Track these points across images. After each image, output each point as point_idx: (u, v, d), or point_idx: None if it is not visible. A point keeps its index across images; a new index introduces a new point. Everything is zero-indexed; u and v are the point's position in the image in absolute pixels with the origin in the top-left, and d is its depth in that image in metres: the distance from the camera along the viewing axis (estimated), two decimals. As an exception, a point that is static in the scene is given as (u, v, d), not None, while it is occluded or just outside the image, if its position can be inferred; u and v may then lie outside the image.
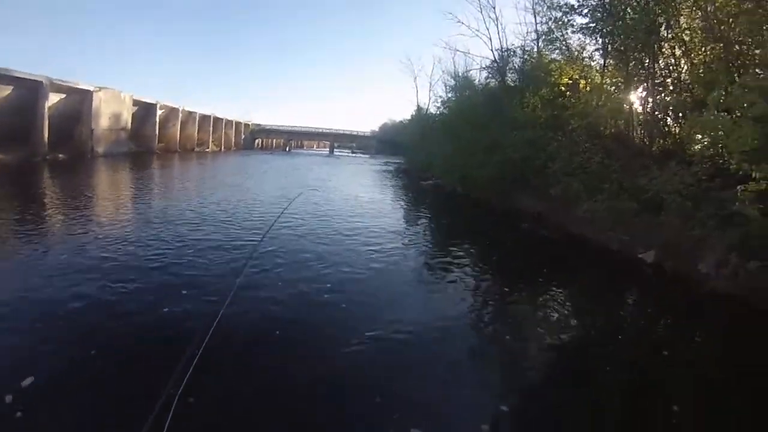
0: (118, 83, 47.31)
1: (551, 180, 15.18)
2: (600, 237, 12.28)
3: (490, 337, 6.40)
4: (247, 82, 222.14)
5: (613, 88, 16.81)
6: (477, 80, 31.01)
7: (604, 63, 17.59)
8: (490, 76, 28.22)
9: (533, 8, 22.50)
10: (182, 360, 3.36)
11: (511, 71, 24.93)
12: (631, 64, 15.55)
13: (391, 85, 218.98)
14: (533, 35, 22.47)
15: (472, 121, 22.45)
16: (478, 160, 19.97)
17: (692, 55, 13.46)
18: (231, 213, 13.59)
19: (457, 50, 43.58)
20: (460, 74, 33.27)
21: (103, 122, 33.64)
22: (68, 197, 15.09)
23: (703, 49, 13.08)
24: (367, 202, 18.63)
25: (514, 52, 23.86)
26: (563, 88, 18.76)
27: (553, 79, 19.17)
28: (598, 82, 17.50)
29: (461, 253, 10.97)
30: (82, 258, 8.05)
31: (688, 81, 13.28)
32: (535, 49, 22.17)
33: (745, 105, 7.87)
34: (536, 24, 22.11)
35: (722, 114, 9.00)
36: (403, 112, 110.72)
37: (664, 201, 10.48)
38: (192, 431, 3.66)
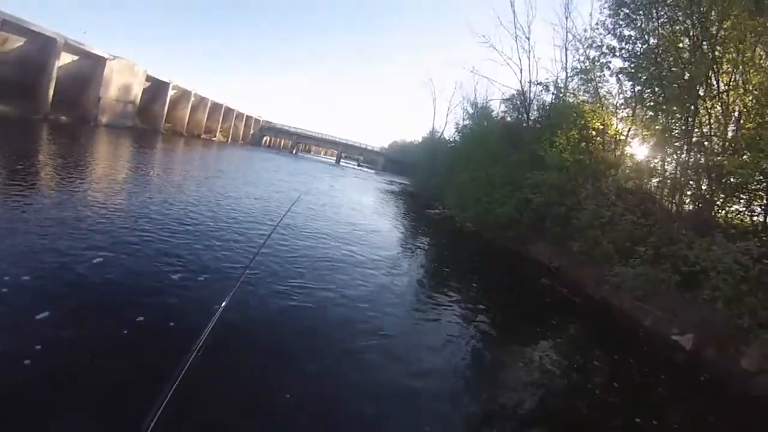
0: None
1: (575, 232, 13.99)
2: (628, 308, 10.80)
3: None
4: (258, 75, 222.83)
5: (645, 141, 15.72)
6: (496, 113, 30.39)
7: (634, 112, 16.46)
8: (512, 109, 27.43)
9: (565, 45, 21.94)
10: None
11: (538, 108, 24.05)
12: (668, 118, 14.05)
13: (407, 103, 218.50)
14: (563, 73, 21.87)
15: (490, 153, 21.30)
16: (496, 197, 18.75)
17: (744, 115, 12.23)
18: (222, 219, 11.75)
19: (484, 76, 42.76)
20: (479, 103, 32.52)
21: (112, 92, 32.57)
22: (55, 163, 14.01)
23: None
24: (366, 226, 16.59)
25: (547, 87, 22.68)
26: (594, 133, 17.66)
27: (583, 122, 17.76)
28: (631, 132, 16.48)
29: (468, 307, 9.30)
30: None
31: (733, 144, 11.95)
32: (566, 87, 21.13)
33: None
34: (566, 62, 21.49)
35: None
36: (414, 133, 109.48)
37: (706, 278, 9.04)
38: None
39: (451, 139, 38.31)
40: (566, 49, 21.89)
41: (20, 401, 3.55)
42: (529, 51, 24.88)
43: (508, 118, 28.40)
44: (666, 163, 14.38)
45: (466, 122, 34.07)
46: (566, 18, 22.48)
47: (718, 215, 11.87)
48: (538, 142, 18.99)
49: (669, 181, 13.99)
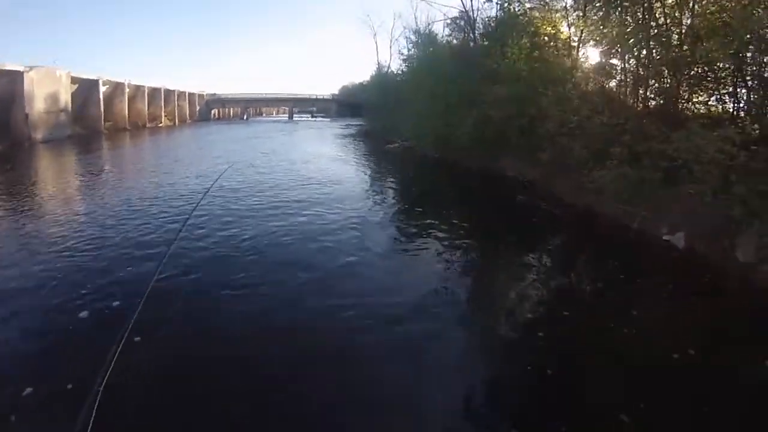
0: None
1: (542, 142, 13.76)
2: (612, 212, 10.34)
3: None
4: (205, 56, 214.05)
5: (600, 41, 15.45)
6: (440, 36, 29.85)
7: (584, 14, 16.25)
8: (456, 30, 26.99)
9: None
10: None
11: (484, 25, 23.54)
12: (621, 14, 13.68)
13: (352, 45, 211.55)
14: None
15: (443, 77, 21.13)
16: (454, 120, 18.71)
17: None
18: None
19: None
20: (422, 30, 31.82)
21: (39, 105, 30.86)
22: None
23: None
24: (325, 171, 17.38)
25: None
26: (546, 38, 17.61)
27: (533, 29, 17.61)
28: (584, 34, 16.38)
29: (447, 234, 9.37)
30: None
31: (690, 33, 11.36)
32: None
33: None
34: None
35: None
36: (363, 73, 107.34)
37: (689, 172, 8.54)
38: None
39: (398, 72, 37.87)
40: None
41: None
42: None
43: (455, 41, 28.11)
44: (625, 62, 13.99)
45: (411, 52, 33.62)
46: None
47: (685, 108, 11.81)
48: (489, 56, 18.82)
49: (630, 79, 13.80)
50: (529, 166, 14.90)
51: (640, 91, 13.42)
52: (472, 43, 23.88)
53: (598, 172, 10.57)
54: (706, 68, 11.03)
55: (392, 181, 17.46)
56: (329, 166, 19.11)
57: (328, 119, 72.81)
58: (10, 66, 28.67)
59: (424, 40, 30.66)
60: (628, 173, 9.80)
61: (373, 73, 48.92)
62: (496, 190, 14.89)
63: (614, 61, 14.54)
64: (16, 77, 29.33)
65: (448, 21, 28.18)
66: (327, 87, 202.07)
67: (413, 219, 11.28)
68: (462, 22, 26.08)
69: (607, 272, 7.90)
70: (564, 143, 12.55)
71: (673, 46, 11.55)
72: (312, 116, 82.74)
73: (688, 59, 10.85)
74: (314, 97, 79.50)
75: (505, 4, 20.03)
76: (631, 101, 13.65)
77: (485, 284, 7.54)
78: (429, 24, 31.56)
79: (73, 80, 35.85)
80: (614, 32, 13.73)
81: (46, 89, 31.76)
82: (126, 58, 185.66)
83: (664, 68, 12.04)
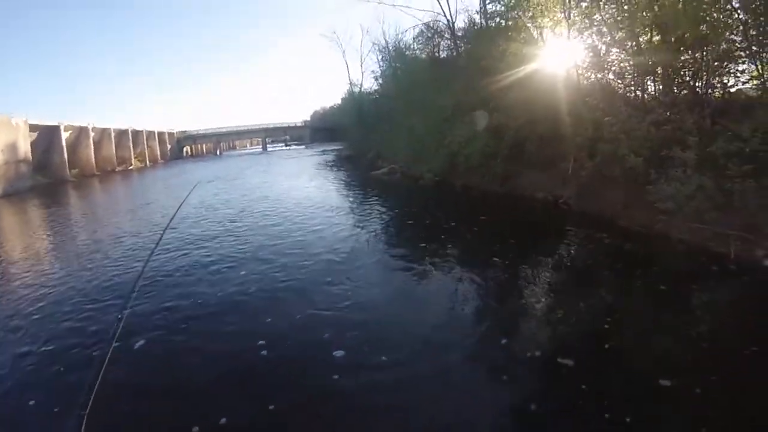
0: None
1: (568, 153, 12.08)
2: (697, 237, 7.69)
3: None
4: (173, 93, 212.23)
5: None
6: (412, 47, 28.90)
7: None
8: (429, 38, 26.01)
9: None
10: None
11: (464, 33, 22.49)
12: None
13: (319, 67, 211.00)
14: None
15: (430, 93, 19.68)
16: (458, 137, 16.55)
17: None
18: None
19: (395, 5, 40.07)
20: (392, 44, 31.09)
21: (-5, 156, 29.14)
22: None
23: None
24: (307, 213, 13.64)
25: None
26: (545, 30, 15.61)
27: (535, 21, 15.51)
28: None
29: (475, 280, 7.14)
30: None
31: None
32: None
33: None
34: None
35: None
36: (333, 97, 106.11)
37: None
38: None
39: (372, 90, 36.87)
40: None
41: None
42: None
43: (423, 55, 27.11)
44: (627, 49, 12.37)
45: (383, 68, 32.74)
46: None
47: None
48: (484, 60, 16.52)
49: (631, 68, 12.47)
50: (558, 183, 12.34)
51: (648, 82, 12.25)
52: (454, 53, 22.81)
53: (664, 186, 8.28)
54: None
55: (396, 215, 13.29)
56: (312, 204, 15.30)
57: (303, 146, 71.35)
58: (-41, 118, 26.75)
59: (398, 55, 29.78)
60: (707, 185, 7.62)
61: (345, 94, 48.12)
62: (525, 214, 12.05)
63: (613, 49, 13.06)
64: (-33, 129, 27.48)
65: (421, 28, 27.19)
66: (299, 113, 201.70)
67: (433, 261, 8.23)
68: (438, 28, 25.14)
69: (710, 313, 5.70)
70: (607, 150, 10.25)
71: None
72: (286, 145, 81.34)
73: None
74: (286, 125, 78.08)
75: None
76: (636, 94, 12.41)
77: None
78: (399, 35, 30.72)
79: (32, 128, 33.96)
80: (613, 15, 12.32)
81: (3, 139, 29.91)
82: (87, 99, 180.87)
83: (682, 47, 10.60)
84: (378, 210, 14.06)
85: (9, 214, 21.78)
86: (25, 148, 32.45)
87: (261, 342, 5.33)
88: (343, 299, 6.50)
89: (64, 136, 39.03)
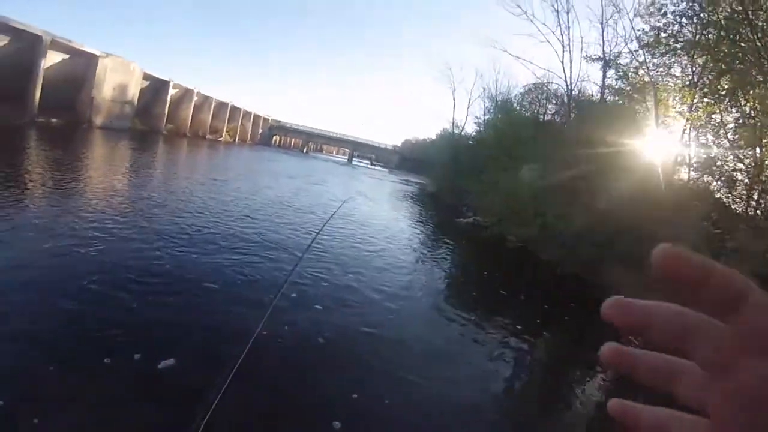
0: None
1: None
2: None
3: None
4: (269, 79, 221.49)
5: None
6: (522, 102, 27.70)
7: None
8: (542, 96, 24.49)
9: (602, 22, 18.32)
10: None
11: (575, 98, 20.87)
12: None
13: (421, 97, 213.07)
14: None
15: (534, 153, 17.82)
16: (557, 209, 14.54)
17: None
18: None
19: (519, 58, 38.88)
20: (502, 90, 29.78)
21: (106, 92, 30.10)
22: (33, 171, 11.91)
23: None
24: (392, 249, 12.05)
25: (607, 63, 18.25)
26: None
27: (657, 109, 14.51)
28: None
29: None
30: None
31: None
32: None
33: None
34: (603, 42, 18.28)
35: None
36: (428, 131, 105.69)
37: None
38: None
39: (472, 135, 35.32)
40: (603, 26, 18.22)
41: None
42: (569, 27, 20.68)
43: (527, 114, 25.63)
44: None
45: (488, 117, 31.30)
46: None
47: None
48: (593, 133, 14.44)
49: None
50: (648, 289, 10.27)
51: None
52: (561, 117, 21.15)
53: None
54: None
55: (484, 279, 11.64)
56: (399, 239, 13.92)
57: (386, 170, 70.78)
58: (88, 48, 27.79)
59: (505, 104, 28.34)
60: None
61: (441, 131, 46.74)
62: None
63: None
64: (90, 60, 28.65)
65: (531, 87, 25.83)
66: (384, 135, 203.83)
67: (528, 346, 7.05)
68: (551, 89, 23.60)
69: None
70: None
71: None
72: (371, 163, 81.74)
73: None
74: (376, 144, 78.27)
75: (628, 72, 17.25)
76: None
77: None
78: (510, 88, 29.36)
79: (145, 76, 35.15)
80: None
81: (117, 79, 31.01)
82: (192, 64, 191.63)
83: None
84: (466, 268, 13.07)
85: (102, 144, 22.66)
86: (133, 92, 33.53)
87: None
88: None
89: (171, 92, 40.26)
